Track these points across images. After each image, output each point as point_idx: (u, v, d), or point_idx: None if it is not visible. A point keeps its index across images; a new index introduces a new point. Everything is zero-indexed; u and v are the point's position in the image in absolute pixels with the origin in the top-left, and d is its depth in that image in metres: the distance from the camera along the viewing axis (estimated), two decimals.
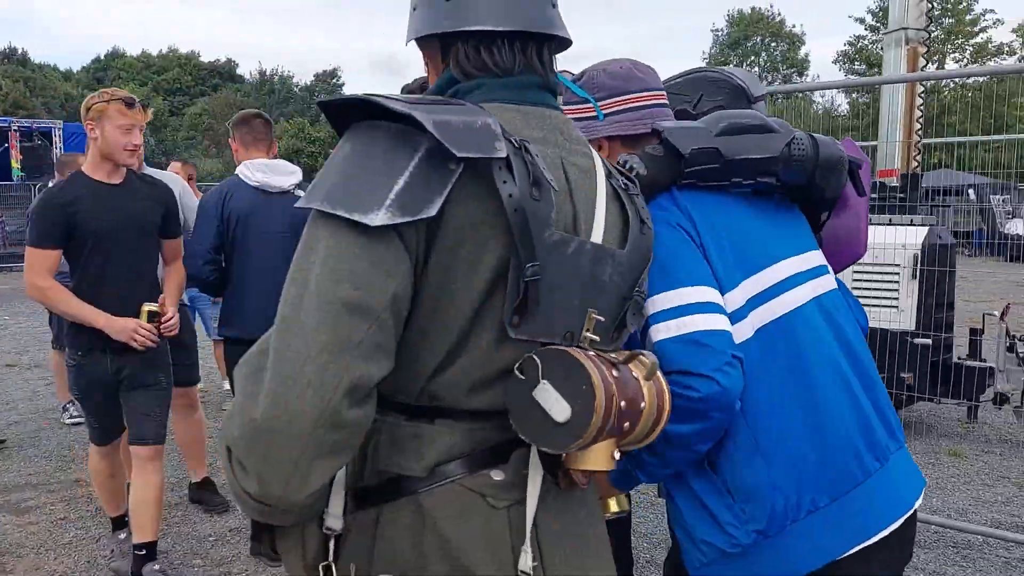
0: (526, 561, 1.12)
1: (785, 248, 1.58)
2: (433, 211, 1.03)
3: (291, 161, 3.90)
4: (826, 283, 1.63)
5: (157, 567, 3.28)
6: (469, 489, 1.13)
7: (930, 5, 5.35)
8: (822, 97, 34.33)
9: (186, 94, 58.41)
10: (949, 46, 36.74)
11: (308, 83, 63.61)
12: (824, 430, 1.47)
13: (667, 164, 1.51)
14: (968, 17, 36.08)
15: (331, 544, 1.16)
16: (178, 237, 3.50)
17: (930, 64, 7.01)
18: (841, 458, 1.47)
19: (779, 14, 49.07)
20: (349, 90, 63.72)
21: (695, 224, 1.50)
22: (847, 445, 1.48)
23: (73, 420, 5.69)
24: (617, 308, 1.26)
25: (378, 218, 1.00)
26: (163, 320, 3.20)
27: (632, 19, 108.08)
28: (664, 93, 1.73)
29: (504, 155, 1.06)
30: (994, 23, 36.41)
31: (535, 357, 1.10)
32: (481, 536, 1.13)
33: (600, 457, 1.15)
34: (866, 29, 38.22)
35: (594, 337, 1.17)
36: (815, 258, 1.64)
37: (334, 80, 62.72)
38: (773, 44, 49.38)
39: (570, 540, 1.22)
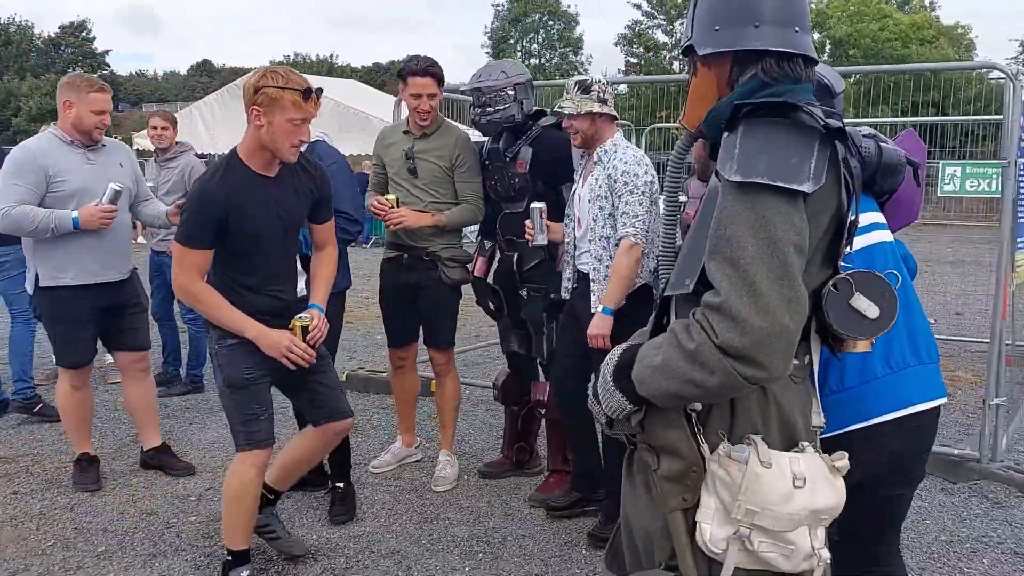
0: (819, 418, 1.57)
1: (866, 204, 2.06)
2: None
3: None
4: (887, 234, 2.15)
5: None
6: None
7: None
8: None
9: None
10: None
11: (52, 35, 57.38)
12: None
13: None
14: None
15: (695, 419, 1.50)
16: (329, 220, 3.16)
17: None
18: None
19: None
20: (102, 45, 58.34)
21: None
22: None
23: None
24: None
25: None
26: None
27: None
28: None
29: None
30: None
31: (848, 278, 1.51)
32: (796, 402, 1.53)
33: (869, 343, 1.57)
34: (643, 15, 41.15)
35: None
36: (879, 217, 2.18)
37: (84, 33, 56.98)
38: (551, 22, 51.44)
39: None
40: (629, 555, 1.67)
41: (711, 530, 1.45)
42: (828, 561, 1.48)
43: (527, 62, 49.84)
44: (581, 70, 48.67)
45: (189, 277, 2.80)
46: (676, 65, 41.00)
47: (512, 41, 50.67)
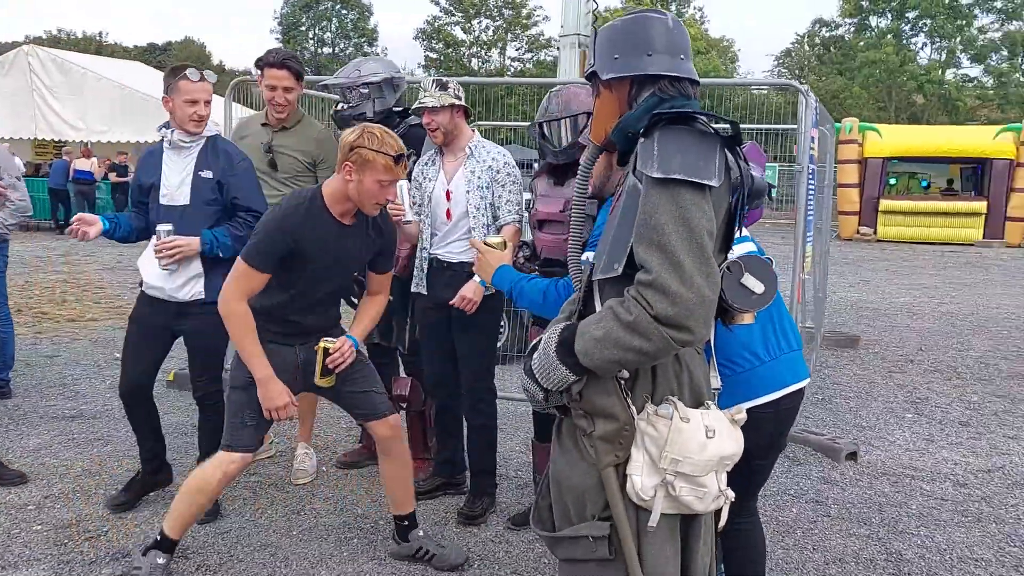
0: (717, 381, 1.91)
1: None
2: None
3: None
4: (752, 245, 2.54)
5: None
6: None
7: (594, 16, 6.57)
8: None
9: None
10: (510, 35, 41.72)
11: None
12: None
13: None
14: (524, 11, 41.34)
15: (623, 386, 1.76)
16: (388, 271, 3.22)
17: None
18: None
19: None
20: None
21: None
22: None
23: None
24: None
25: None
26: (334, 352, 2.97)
27: None
28: None
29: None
30: (544, 19, 42.48)
31: (739, 260, 1.83)
32: (701, 368, 1.85)
33: (753, 315, 1.90)
34: (441, 11, 41.54)
35: None
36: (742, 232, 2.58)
37: None
38: (344, 11, 50.43)
39: None
40: (557, 511, 1.88)
41: (641, 481, 1.69)
42: (732, 498, 1.78)
43: (320, 51, 48.66)
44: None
45: (237, 294, 2.82)
46: (475, 63, 41.90)
47: (304, 28, 49.15)
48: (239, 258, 2.84)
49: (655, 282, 1.57)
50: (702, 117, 1.74)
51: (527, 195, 3.79)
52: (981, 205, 20.35)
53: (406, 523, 3.25)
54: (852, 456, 4.58)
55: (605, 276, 1.75)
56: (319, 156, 3.91)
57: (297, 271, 2.90)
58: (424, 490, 3.82)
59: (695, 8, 46.30)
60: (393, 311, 3.99)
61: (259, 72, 3.87)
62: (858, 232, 20.70)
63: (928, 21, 37.40)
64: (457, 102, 3.54)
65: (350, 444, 4.49)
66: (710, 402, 1.81)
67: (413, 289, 3.74)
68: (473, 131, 3.69)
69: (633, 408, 1.72)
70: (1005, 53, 37.14)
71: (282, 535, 3.46)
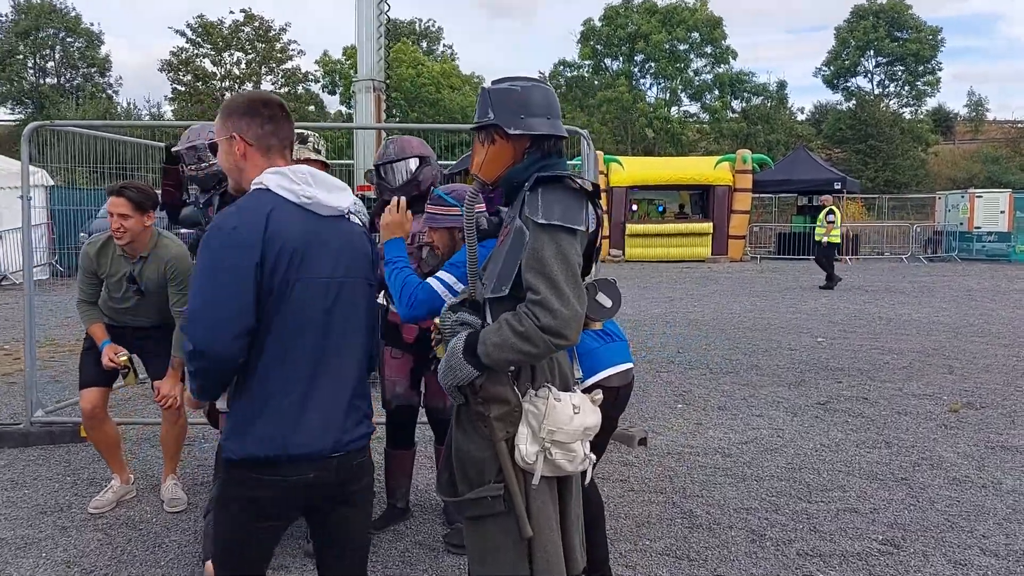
0: (578, 371, 2.58)
1: None
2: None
3: None
4: None
5: None
6: None
7: (387, 63, 7.22)
8: None
9: None
10: (264, 68, 40.88)
11: None
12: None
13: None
14: (278, 45, 40.73)
15: (511, 377, 2.32)
16: None
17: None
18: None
19: (74, 9, 46.36)
20: None
21: None
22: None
23: None
24: None
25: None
26: None
27: None
28: None
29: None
30: (298, 53, 42.11)
31: (593, 283, 2.48)
32: (566, 362, 2.46)
33: (601, 323, 2.57)
34: (188, 43, 39.79)
35: None
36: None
37: None
38: (69, 39, 46.62)
39: None
40: (460, 480, 2.37)
41: (526, 448, 2.26)
42: (594, 460, 2.40)
43: (43, 81, 44.61)
44: (111, 91, 45.21)
45: None
46: (228, 96, 40.49)
47: (21, 57, 44.61)
48: None
49: (542, 302, 2.13)
50: (573, 177, 2.35)
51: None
52: (708, 226, 23.32)
53: None
54: (643, 442, 5.47)
55: (495, 296, 2.30)
56: (169, 273, 4.14)
57: None
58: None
59: (445, 45, 48.31)
60: None
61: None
62: (609, 254, 22.83)
63: (653, 64, 41.99)
64: (313, 156, 3.94)
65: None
66: (575, 387, 2.43)
67: None
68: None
69: (518, 393, 2.29)
70: (717, 92, 42.58)
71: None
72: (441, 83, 39.82)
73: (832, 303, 13.66)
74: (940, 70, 45.87)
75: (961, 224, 25.25)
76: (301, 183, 2.13)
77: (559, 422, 2.23)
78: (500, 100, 2.39)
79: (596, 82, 42.87)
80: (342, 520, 2.28)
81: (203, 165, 4.17)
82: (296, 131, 4.05)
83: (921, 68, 45.47)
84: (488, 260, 2.46)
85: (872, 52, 45.64)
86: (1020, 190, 27.14)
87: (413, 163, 3.88)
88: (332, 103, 43.21)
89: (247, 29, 39.93)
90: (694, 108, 43.81)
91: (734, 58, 42.39)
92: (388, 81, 7.34)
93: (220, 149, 2.25)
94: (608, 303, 2.48)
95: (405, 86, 38.66)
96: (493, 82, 2.46)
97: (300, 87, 41.17)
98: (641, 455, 5.24)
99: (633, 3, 42.08)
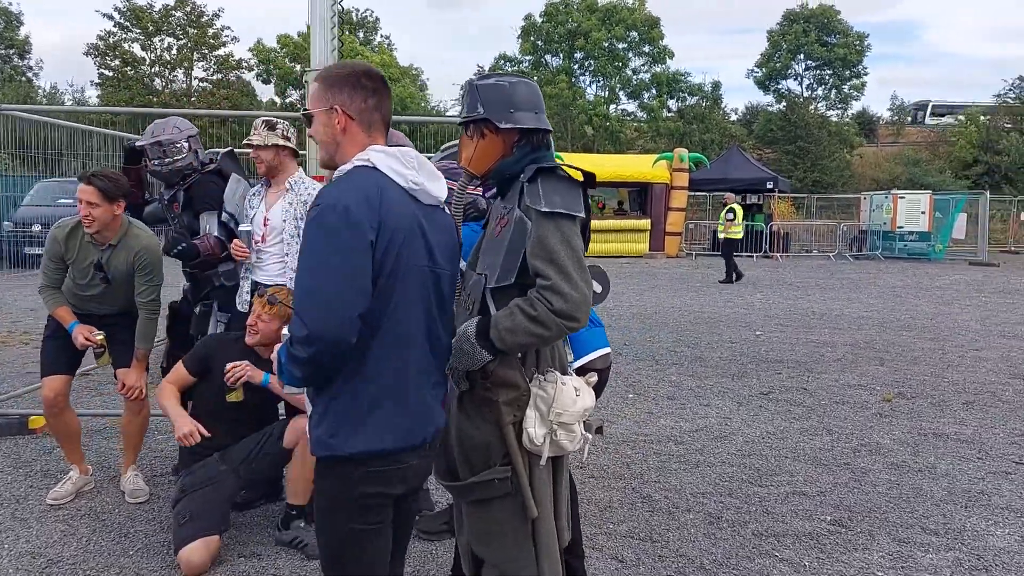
0: (570, 356, 2.67)
1: None
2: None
3: None
4: None
5: None
6: None
7: (340, 53, 7.19)
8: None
9: None
10: (196, 54, 39.81)
11: None
12: None
13: None
14: (211, 31, 39.71)
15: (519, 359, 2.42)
16: None
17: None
18: None
19: None
20: None
21: None
22: None
23: None
24: None
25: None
26: None
27: None
28: None
29: None
30: (232, 40, 41.23)
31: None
32: (560, 348, 2.56)
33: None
34: (115, 26, 38.46)
35: None
36: None
37: None
38: None
39: None
40: (462, 465, 2.45)
41: (533, 431, 2.35)
42: (590, 439, 2.51)
43: None
44: (31, 74, 43.42)
45: None
46: (157, 82, 39.40)
47: None
48: None
49: (552, 287, 2.23)
50: (564, 168, 2.44)
51: None
52: (646, 223, 23.74)
53: (294, 513, 3.66)
54: (599, 431, 5.56)
55: (500, 285, 2.38)
56: (138, 263, 4.07)
57: None
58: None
59: (382, 36, 47.82)
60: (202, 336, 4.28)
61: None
62: None
63: (592, 62, 42.43)
64: (282, 142, 3.96)
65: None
66: (571, 371, 2.53)
67: (239, 308, 4.08)
68: (298, 168, 4.11)
69: (526, 378, 2.39)
70: (654, 91, 43.26)
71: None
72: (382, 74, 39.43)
73: (767, 298, 14.11)
74: (866, 75, 47.53)
75: (884, 224, 26.26)
76: (411, 168, 2.08)
77: (565, 404, 2.32)
78: (489, 95, 2.46)
79: (536, 78, 43.10)
80: (411, 506, 2.32)
81: (167, 161, 4.14)
82: (264, 119, 4.07)
83: (848, 72, 47.02)
84: (480, 251, 2.53)
85: (802, 56, 46.99)
86: (940, 192, 28.40)
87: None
88: (266, 92, 42.42)
89: (178, 14, 38.83)
90: (632, 107, 44.49)
91: (671, 58, 43.18)
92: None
93: (316, 120, 2.13)
94: (599, 288, 2.59)
95: None
96: (479, 77, 2.53)
97: (233, 75, 40.22)
98: (598, 443, 5.38)
99: (573, 1, 42.43)
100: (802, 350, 9.00)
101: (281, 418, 3.84)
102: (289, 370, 1.97)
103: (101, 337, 4.06)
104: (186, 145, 4.16)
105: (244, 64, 40.81)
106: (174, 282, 4.68)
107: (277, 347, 2.10)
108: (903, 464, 5.06)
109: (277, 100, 40.67)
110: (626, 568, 3.59)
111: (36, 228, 14.94)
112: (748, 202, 26.35)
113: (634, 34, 42.34)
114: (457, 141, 3.81)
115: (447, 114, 31.84)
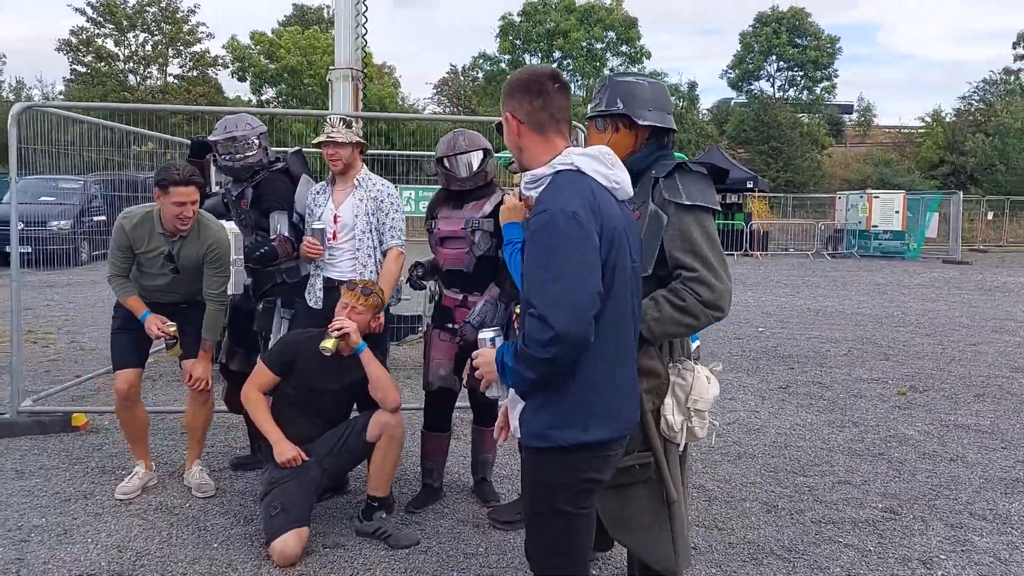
0: (694, 344, 2.73)
1: None
2: None
3: None
4: None
5: None
6: None
7: (364, 52, 7.26)
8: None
9: None
10: (171, 51, 39.31)
11: None
12: None
13: None
14: (186, 27, 39.24)
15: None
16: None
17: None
18: None
19: None
20: None
21: None
22: None
23: None
24: None
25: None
26: None
27: None
28: None
29: None
30: (208, 36, 40.78)
31: None
32: (688, 343, 2.67)
33: None
34: (88, 21, 37.85)
35: None
36: None
37: None
38: None
39: None
40: None
41: (672, 418, 2.46)
42: (717, 426, 2.62)
43: None
44: None
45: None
46: (132, 79, 38.85)
47: None
48: None
49: (699, 278, 2.35)
50: (695, 164, 2.56)
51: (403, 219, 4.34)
52: None
53: (376, 504, 3.73)
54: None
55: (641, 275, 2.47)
56: (209, 256, 4.12)
57: None
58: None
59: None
60: (265, 335, 4.31)
61: (159, 189, 3.97)
62: None
63: (571, 61, 42.63)
64: (359, 140, 4.02)
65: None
66: (697, 359, 2.64)
67: (311, 306, 4.12)
68: (362, 165, 4.17)
69: (666, 366, 2.49)
70: None
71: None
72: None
73: (759, 296, 14.35)
74: (836, 76, 48.33)
75: (860, 223, 26.76)
76: (612, 167, 2.13)
77: (701, 392, 2.44)
78: (629, 93, 2.58)
79: None
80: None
81: (239, 156, 4.17)
82: (340, 117, 4.12)
83: (819, 74, 47.76)
84: None
85: (774, 57, 47.63)
86: (912, 192, 29.01)
87: (479, 155, 3.99)
88: (232, 89, 41.95)
89: (153, 9, 38.31)
90: None
91: (648, 58, 43.57)
92: (365, 71, 7.35)
93: (504, 128, 2.22)
94: None
95: (320, 72, 37.93)
96: (618, 75, 2.65)
97: (210, 71, 39.78)
98: None
99: (551, 0, 42.59)
100: (807, 345, 9.21)
101: (355, 415, 3.90)
102: (518, 371, 2.03)
103: (174, 328, 4.09)
104: (257, 142, 4.20)
105: (220, 61, 40.36)
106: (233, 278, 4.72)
107: (487, 352, 2.20)
108: (934, 454, 5.24)
109: (253, 98, 40.28)
110: (699, 555, 3.70)
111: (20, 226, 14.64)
112: (728, 201, 26.70)
113: (612, 34, 42.62)
114: None
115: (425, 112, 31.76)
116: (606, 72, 43.05)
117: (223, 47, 41.75)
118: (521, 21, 42.97)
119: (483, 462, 4.29)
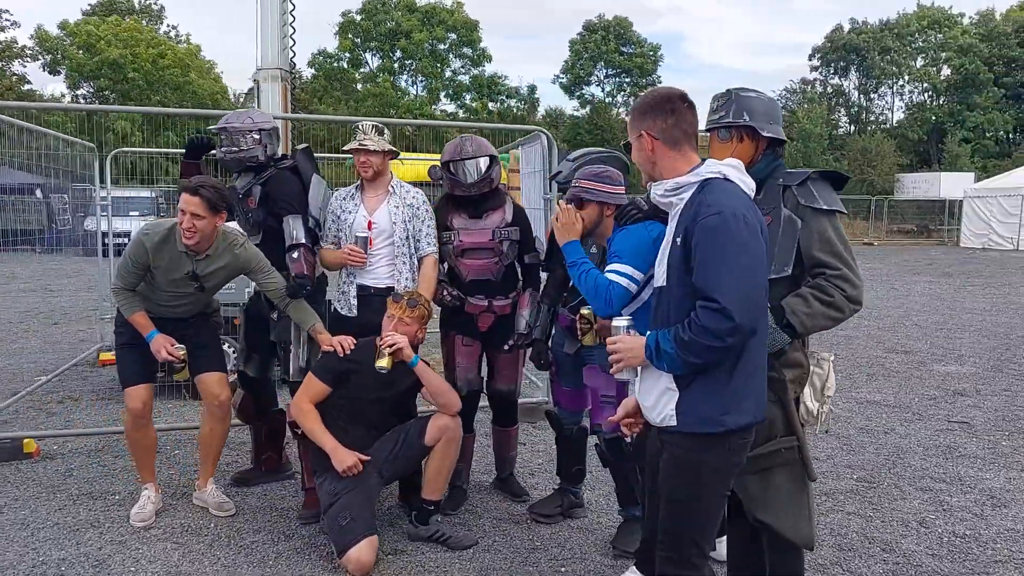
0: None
1: None
2: None
3: None
4: None
5: None
6: None
7: (292, 52, 7.07)
8: None
9: None
10: None
11: None
12: None
13: None
14: None
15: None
16: None
17: None
18: None
19: None
20: None
21: None
22: None
23: None
24: None
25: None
26: None
27: None
28: None
29: None
30: (12, 24, 37.03)
31: None
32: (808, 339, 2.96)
33: None
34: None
35: None
36: None
37: None
38: None
39: None
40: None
41: (810, 405, 2.72)
42: (833, 411, 2.89)
43: None
44: None
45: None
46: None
47: None
48: None
49: (843, 276, 2.60)
50: (814, 172, 2.78)
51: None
52: None
53: (431, 508, 3.73)
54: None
55: (777, 276, 2.66)
56: (254, 268, 3.97)
57: None
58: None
59: (169, 25, 44.29)
60: (283, 343, 4.16)
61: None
62: None
63: (413, 61, 42.48)
64: (390, 147, 3.98)
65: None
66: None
67: (344, 313, 4.03)
68: (392, 172, 4.13)
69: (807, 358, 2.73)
70: (475, 94, 44.05)
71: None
72: (189, 64, 37.11)
73: None
74: (660, 83, 51.21)
75: None
76: (746, 175, 2.34)
77: (833, 381, 2.71)
78: (753, 106, 2.80)
79: (357, 75, 42.56)
80: None
81: (232, 150, 4.03)
82: (372, 124, 4.06)
83: (644, 81, 50.44)
84: None
85: (603, 63, 49.79)
86: None
87: (485, 161, 4.04)
88: (40, 82, 38.46)
89: None
90: (452, 108, 44.95)
91: (489, 61, 44.18)
92: (293, 71, 7.15)
93: (633, 147, 2.39)
94: None
95: (147, 68, 35.54)
96: (741, 90, 2.85)
97: (17, 63, 36.23)
98: None
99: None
100: None
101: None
102: (679, 357, 2.19)
103: (183, 352, 3.89)
104: (255, 137, 4.00)
105: (28, 52, 36.90)
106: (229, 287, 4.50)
107: (627, 338, 2.36)
108: (869, 429, 5.87)
109: (66, 93, 37.17)
110: None
111: None
112: None
113: (454, 36, 42.89)
114: (589, 149, 4.03)
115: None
116: (448, 73, 43.35)
117: (30, 37, 38.17)
118: (362, 19, 42.33)
119: (509, 460, 4.40)
